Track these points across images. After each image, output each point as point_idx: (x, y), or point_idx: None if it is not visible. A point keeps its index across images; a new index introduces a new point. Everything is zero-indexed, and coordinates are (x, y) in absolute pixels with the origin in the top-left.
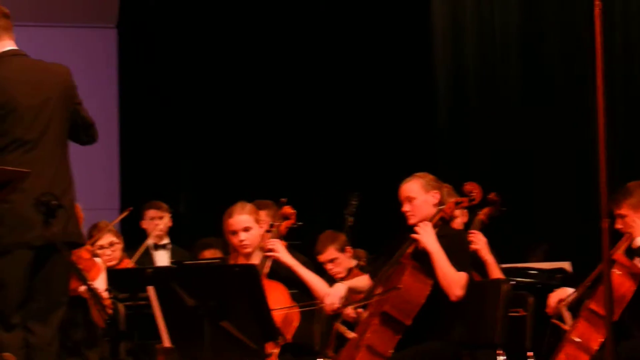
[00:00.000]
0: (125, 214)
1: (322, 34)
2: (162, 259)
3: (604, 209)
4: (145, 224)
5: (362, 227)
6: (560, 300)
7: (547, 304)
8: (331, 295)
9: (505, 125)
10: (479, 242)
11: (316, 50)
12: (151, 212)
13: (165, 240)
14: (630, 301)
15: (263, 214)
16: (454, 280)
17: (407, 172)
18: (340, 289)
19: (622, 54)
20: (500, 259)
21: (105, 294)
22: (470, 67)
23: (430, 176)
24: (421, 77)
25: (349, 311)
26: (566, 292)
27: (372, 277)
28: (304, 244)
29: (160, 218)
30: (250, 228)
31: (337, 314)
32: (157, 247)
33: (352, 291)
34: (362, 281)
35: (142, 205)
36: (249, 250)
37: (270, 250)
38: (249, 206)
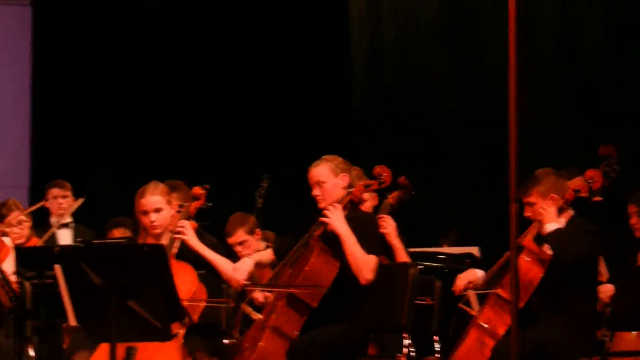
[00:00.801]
0: (38, 205)
1: (239, 15)
2: (65, 237)
3: (513, 193)
4: (49, 203)
5: (271, 209)
6: (469, 282)
7: (455, 284)
8: (239, 270)
9: (418, 110)
10: (387, 226)
11: (232, 32)
12: (54, 191)
13: (69, 219)
14: (538, 287)
15: (174, 196)
16: (364, 264)
17: (318, 155)
18: (248, 263)
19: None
20: (410, 243)
21: (12, 277)
22: (386, 50)
23: (340, 159)
24: (337, 59)
25: (257, 295)
26: (475, 274)
27: (277, 255)
28: (214, 225)
29: (64, 197)
30: (162, 209)
31: (243, 295)
32: (60, 225)
33: (257, 265)
34: (266, 255)
35: (45, 185)
36: (158, 231)
37: (179, 231)
38: (161, 187)
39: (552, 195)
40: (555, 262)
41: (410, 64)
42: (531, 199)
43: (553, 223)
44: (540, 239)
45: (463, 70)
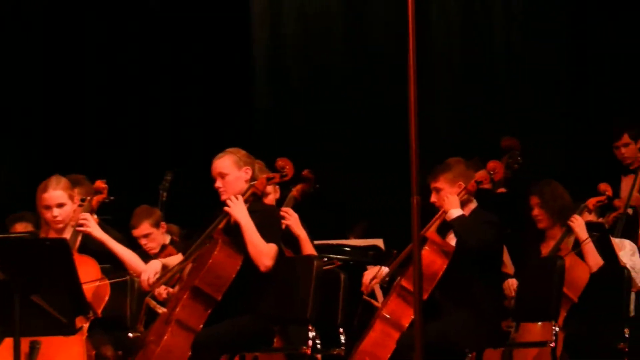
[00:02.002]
0: None
1: (140, 9)
2: None
3: (414, 185)
4: None
5: (176, 203)
6: (374, 277)
7: (362, 283)
8: (147, 271)
9: (321, 102)
10: (290, 218)
11: (133, 27)
12: None
13: None
14: (441, 278)
15: (76, 190)
16: (263, 251)
17: (222, 148)
18: (156, 265)
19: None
20: (316, 236)
21: None
22: (287, 43)
23: (243, 152)
24: (238, 53)
25: (161, 291)
26: (381, 271)
27: (184, 254)
28: (118, 218)
29: None
30: (64, 204)
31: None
32: None
33: (165, 269)
34: (177, 259)
35: None
36: (61, 225)
37: (81, 225)
38: (63, 181)
39: (460, 182)
40: (459, 251)
41: (312, 56)
42: (438, 185)
43: (457, 209)
44: (444, 230)
45: (364, 63)
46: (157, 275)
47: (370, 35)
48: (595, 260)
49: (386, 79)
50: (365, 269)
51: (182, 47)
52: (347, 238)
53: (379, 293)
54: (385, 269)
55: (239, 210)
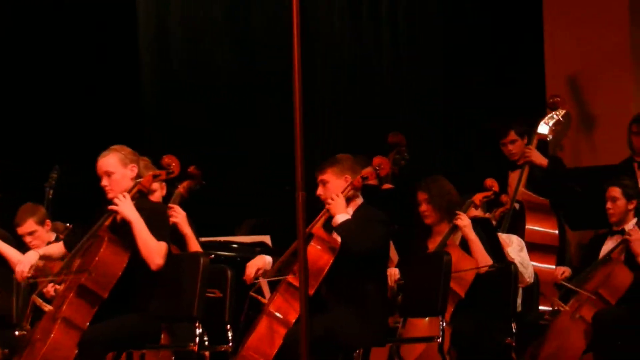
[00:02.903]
0: None
1: (24, 4)
2: None
3: (299, 182)
4: None
5: (61, 201)
6: (259, 269)
7: (245, 273)
8: (22, 262)
9: (207, 100)
10: (177, 215)
11: (15, 20)
12: None
13: None
14: (328, 274)
15: None
16: (155, 249)
17: (107, 145)
18: (32, 256)
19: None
20: (203, 233)
21: None
22: (173, 42)
23: (128, 149)
24: (124, 50)
25: (48, 288)
26: (263, 260)
27: (67, 247)
28: (3, 216)
29: None
30: None
31: (34, 287)
32: None
33: (45, 258)
34: (55, 248)
35: None
36: None
37: None
38: None
39: (347, 176)
40: (344, 254)
41: (198, 54)
42: (325, 177)
43: (343, 214)
44: (330, 225)
45: (250, 61)
46: (34, 268)
47: (256, 33)
48: (483, 259)
49: (272, 76)
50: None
51: (68, 43)
52: (234, 235)
53: (265, 289)
54: (268, 259)
55: (127, 208)
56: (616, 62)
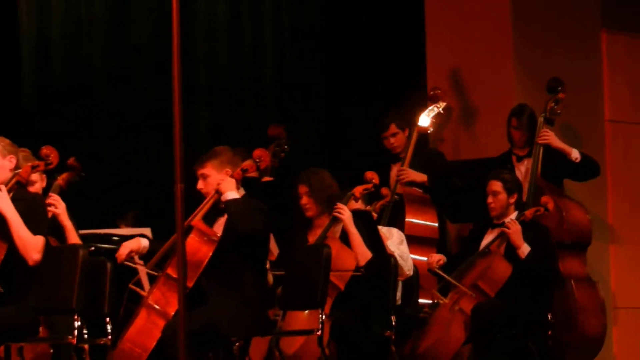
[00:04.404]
0: None
1: None
2: None
3: (178, 174)
4: None
5: None
6: (132, 251)
7: (118, 252)
8: None
9: (86, 90)
10: (58, 206)
11: None
12: None
13: None
14: (207, 266)
15: None
16: (31, 244)
17: None
18: None
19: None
20: (85, 225)
21: None
22: (56, 27)
23: (6, 140)
24: (4, 38)
25: None
26: (139, 243)
27: None
28: None
29: None
30: None
31: None
32: None
33: None
34: None
35: None
36: None
37: None
38: None
39: (227, 169)
40: (228, 234)
41: (78, 45)
42: (205, 171)
43: (232, 192)
44: (211, 218)
45: (128, 48)
46: None
47: (134, 27)
48: (363, 254)
49: (152, 62)
50: (132, 260)
51: None
52: (117, 227)
53: (145, 281)
54: (145, 242)
55: (2, 201)
56: (498, 55)
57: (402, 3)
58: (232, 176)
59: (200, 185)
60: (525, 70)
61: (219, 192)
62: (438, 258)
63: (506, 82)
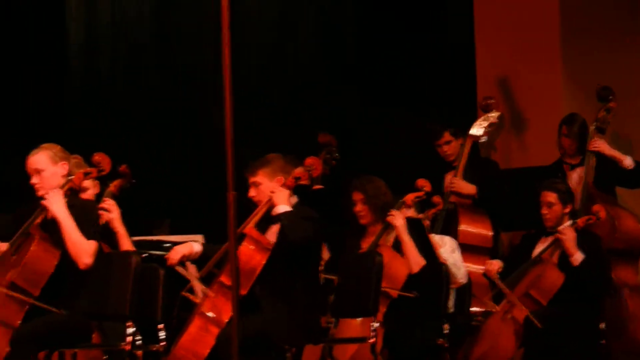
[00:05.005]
0: None
1: None
2: None
3: (230, 181)
4: None
5: None
6: (184, 255)
7: (169, 255)
8: None
9: (137, 97)
10: (113, 211)
11: None
12: None
13: None
14: (260, 274)
15: None
16: (83, 249)
17: (37, 143)
18: None
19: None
20: (136, 232)
21: None
22: (103, 38)
23: (58, 147)
24: (52, 46)
25: None
26: (191, 247)
27: None
28: None
29: None
30: None
31: None
32: None
33: None
34: None
35: None
36: None
37: None
38: None
39: (279, 177)
40: (281, 245)
41: (126, 54)
42: (257, 179)
43: (285, 205)
44: (264, 225)
45: (179, 60)
46: None
47: (183, 30)
48: (416, 261)
49: (201, 73)
50: (185, 268)
51: None
52: (152, 235)
53: (198, 289)
54: (197, 247)
55: (57, 204)
56: (547, 63)
57: (453, 13)
58: (284, 184)
59: (252, 193)
60: (573, 78)
61: (271, 203)
62: (498, 266)
63: (555, 90)
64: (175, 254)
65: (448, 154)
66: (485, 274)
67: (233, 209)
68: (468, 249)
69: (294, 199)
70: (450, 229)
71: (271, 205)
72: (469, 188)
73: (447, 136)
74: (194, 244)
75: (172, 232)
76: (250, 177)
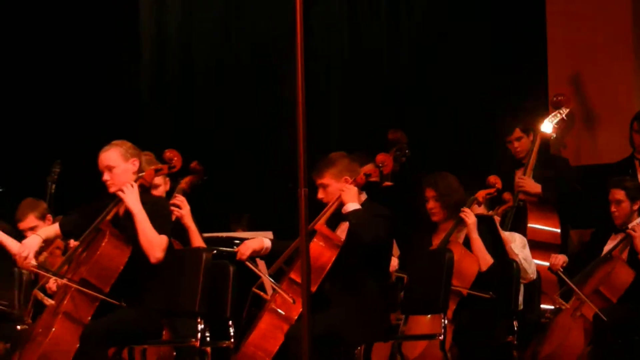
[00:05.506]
0: None
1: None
2: None
3: (302, 178)
4: None
5: (63, 195)
6: (254, 250)
7: (239, 250)
8: (26, 245)
9: (208, 94)
10: (183, 207)
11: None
12: None
13: None
14: (330, 271)
15: None
16: (155, 242)
17: (108, 139)
18: (35, 240)
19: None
20: (203, 228)
21: None
22: (172, 36)
23: (129, 144)
24: (125, 43)
25: (50, 284)
26: (261, 243)
27: (64, 233)
28: (5, 211)
29: None
30: None
31: (36, 281)
32: None
33: (46, 240)
34: (52, 229)
35: None
36: None
37: None
38: None
39: (346, 177)
40: (350, 244)
41: (198, 50)
42: (324, 181)
43: (354, 203)
44: (334, 222)
45: (251, 55)
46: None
47: (257, 27)
48: (485, 260)
49: (273, 70)
50: (254, 264)
51: (70, 38)
52: (231, 230)
53: (268, 285)
54: (267, 243)
55: (133, 198)
56: (619, 59)
57: (524, 10)
58: (354, 181)
59: (320, 195)
60: None
61: (341, 201)
62: (562, 260)
63: (626, 87)
64: (245, 249)
65: (518, 150)
66: (550, 268)
67: (305, 206)
68: (537, 246)
69: (364, 196)
70: (519, 226)
71: (341, 203)
72: (535, 187)
73: (517, 132)
74: (264, 240)
75: (249, 227)
76: (317, 179)
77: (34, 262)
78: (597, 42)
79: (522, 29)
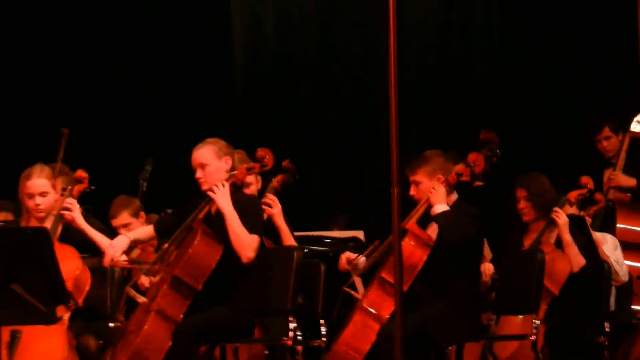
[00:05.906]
0: None
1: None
2: None
3: (395, 177)
4: None
5: (156, 193)
6: (350, 261)
7: (339, 262)
8: (113, 246)
9: (301, 93)
10: (275, 206)
11: (121, 13)
12: None
13: None
14: (421, 271)
15: (58, 180)
16: (246, 242)
17: (200, 138)
18: (122, 241)
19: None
20: (296, 227)
21: None
22: (267, 37)
23: (222, 142)
24: (217, 42)
25: (143, 280)
26: (359, 258)
27: (157, 233)
28: (98, 208)
29: None
30: (47, 193)
31: (128, 278)
32: None
33: (136, 242)
34: (145, 231)
35: None
36: (42, 214)
37: (67, 209)
38: (47, 170)
39: (439, 175)
40: (440, 245)
41: (291, 50)
42: (417, 178)
43: (442, 204)
44: (425, 221)
45: (343, 57)
46: (124, 251)
47: (348, 26)
48: (577, 261)
49: (365, 71)
50: (351, 264)
51: (165, 38)
52: (328, 230)
53: (359, 284)
54: (362, 258)
55: (223, 198)
56: None
57: (616, 8)
58: (445, 180)
59: (412, 191)
60: None
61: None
62: None
63: None
64: (345, 260)
65: (607, 149)
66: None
67: (397, 205)
68: (627, 247)
69: (454, 196)
70: (609, 227)
71: (430, 204)
72: (629, 181)
73: (607, 131)
74: (361, 256)
75: (347, 227)
76: (411, 175)
77: (124, 257)
78: None
79: (614, 26)
